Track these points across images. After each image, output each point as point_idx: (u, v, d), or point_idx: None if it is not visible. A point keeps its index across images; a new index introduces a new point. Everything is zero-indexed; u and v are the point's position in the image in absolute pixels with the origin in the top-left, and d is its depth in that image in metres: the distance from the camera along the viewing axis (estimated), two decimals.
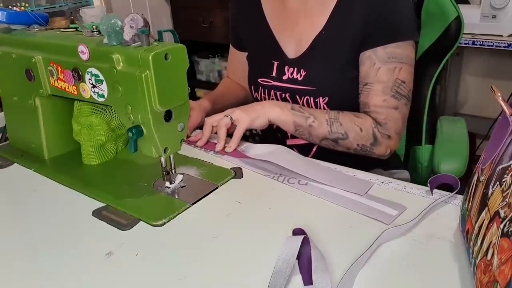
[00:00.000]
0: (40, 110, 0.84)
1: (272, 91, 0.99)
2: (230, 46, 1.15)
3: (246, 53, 1.09)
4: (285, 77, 0.96)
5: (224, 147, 0.88)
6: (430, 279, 0.52)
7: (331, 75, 0.92)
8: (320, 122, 0.88)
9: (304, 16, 0.94)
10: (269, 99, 1.00)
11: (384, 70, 0.87)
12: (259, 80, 1.01)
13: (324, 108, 0.93)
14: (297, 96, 0.95)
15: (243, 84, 1.16)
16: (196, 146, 0.91)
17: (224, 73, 2.60)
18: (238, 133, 0.88)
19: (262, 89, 1.01)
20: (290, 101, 0.96)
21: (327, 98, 0.92)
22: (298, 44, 0.95)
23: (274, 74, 0.98)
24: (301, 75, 0.94)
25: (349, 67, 0.91)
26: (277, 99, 0.98)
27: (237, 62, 1.14)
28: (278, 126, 0.91)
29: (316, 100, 0.93)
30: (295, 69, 0.95)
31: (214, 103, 1.05)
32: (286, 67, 0.96)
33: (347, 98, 0.92)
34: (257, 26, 1.01)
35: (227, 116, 0.89)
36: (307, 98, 0.94)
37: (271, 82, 0.99)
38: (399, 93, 0.87)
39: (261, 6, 1.01)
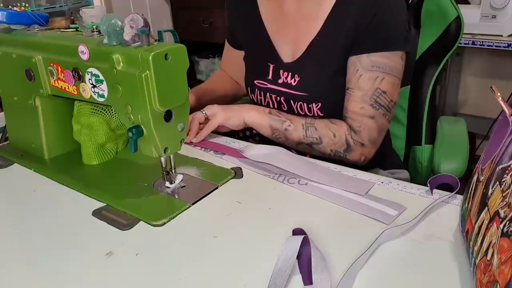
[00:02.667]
0: (40, 110, 0.84)
1: (268, 93, 0.98)
2: (226, 41, 1.15)
3: (241, 52, 1.09)
4: (280, 81, 0.96)
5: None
6: (430, 279, 0.52)
7: (324, 81, 0.91)
8: (296, 126, 0.90)
9: (300, 20, 0.94)
10: (264, 101, 1.00)
11: (366, 78, 0.86)
12: (255, 82, 1.01)
13: (317, 114, 0.93)
14: (291, 101, 0.95)
15: (236, 79, 1.17)
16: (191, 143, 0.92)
17: None
18: (209, 126, 0.92)
19: (258, 91, 1.00)
20: (285, 105, 0.96)
21: (320, 104, 0.91)
22: (294, 49, 0.95)
23: (270, 76, 0.98)
24: (295, 81, 0.94)
25: (340, 73, 0.90)
26: (272, 102, 0.98)
27: (231, 58, 1.15)
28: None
29: (310, 106, 0.92)
30: (290, 74, 0.95)
31: (200, 98, 1.06)
32: (281, 71, 0.96)
33: (340, 104, 0.91)
34: (253, 27, 1.01)
35: (202, 112, 0.93)
36: (301, 104, 0.93)
37: (267, 85, 0.98)
38: (378, 102, 0.87)
39: (257, 8, 1.01)
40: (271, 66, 0.98)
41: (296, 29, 0.94)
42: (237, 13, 1.06)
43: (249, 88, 1.04)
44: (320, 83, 0.92)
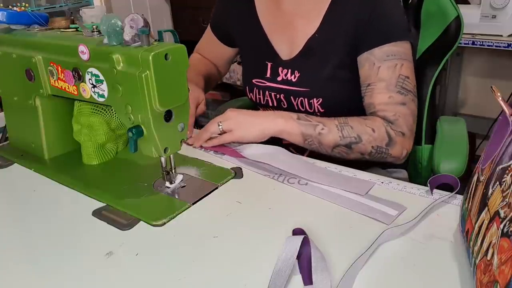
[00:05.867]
0: (40, 110, 0.84)
1: (267, 92, 0.99)
2: (209, 28, 1.14)
3: (230, 48, 1.12)
4: (279, 78, 0.96)
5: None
6: (430, 279, 0.52)
7: (324, 77, 0.92)
8: (329, 128, 0.83)
9: (298, 18, 0.94)
10: (264, 100, 1.00)
11: (385, 68, 0.85)
12: (253, 80, 1.01)
13: (318, 110, 0.93)
14: (291, 97, 0.95)
15: (214, 61, 1.19)
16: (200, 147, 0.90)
17: None
18: (222, 139, 0.86)
19: (257, 90, 1.01)
20: (285, 102, 0.96)
21: (321, 99, 0.92)
22: (292, 46, 0.95)
23: (268, 75, 0.98)
24: (295, 77, 0.94)
25: (341, 69, 0.91)
26: (271, 100, 0.98)
27: (213, 48, 1.16)
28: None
29: (310, 101, 0.92)
30: (289, 70, 0.95)
31: (203, 89, 1.06)
32: (280, 68, 0.96)
33: (341, 100, 0.92)
34: (250, 26, 1.01)
35: (219, 125, 0.86)
36: (301, 100, 0.93)
37: (265, 83, 0.99)
38: (405, 88, 0.85)
39: (254, 6, 1.01)
40: (269, 64, 0.98)
41: (294, 27, 0.95)
42: (231, 10, 1.06)
43: (247, 87, 1.04)
44: (321, 78, 0.92)
